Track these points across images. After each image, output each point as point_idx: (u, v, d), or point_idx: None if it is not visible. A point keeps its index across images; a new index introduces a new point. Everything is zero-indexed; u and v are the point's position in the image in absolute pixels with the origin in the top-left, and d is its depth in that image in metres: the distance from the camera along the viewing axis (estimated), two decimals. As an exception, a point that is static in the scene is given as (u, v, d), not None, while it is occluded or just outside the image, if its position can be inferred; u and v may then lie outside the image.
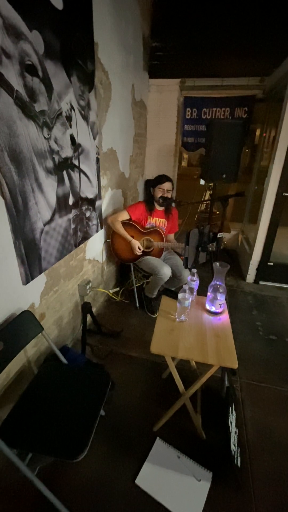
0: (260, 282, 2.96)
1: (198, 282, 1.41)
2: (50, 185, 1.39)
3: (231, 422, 1.19)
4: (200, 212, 4.07)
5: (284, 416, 1.52)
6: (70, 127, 1.52)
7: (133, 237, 2.21)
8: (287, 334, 2.18)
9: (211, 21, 2.67)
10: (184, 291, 1.24)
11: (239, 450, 1.18)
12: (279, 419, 1.51)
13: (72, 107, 1.51)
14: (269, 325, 2.30)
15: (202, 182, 4.23)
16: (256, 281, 2.97)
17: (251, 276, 2.97)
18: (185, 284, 1.30)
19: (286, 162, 2.42)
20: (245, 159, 4.05)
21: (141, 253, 2.22)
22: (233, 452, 1.14)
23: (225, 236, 3.77)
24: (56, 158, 1.42)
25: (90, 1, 1.55)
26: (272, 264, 2.86)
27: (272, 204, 2.61)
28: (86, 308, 1.82)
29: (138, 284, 2.71)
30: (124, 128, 2.51)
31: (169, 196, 2.21)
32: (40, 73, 1.20)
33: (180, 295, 1.25)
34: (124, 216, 2.20)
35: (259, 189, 3.10)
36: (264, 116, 3.16)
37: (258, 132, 3.51)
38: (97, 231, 2.10)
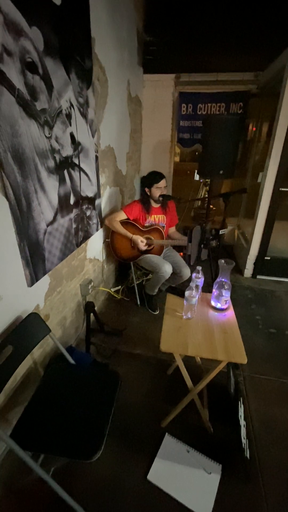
0: (258, 277, 3.00)
1: (203, 279, 1.42)
2: (52, 185, 1.37)
3: (240, 416, 1.22)
4: (197, 208, 4.07)
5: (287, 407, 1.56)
6: (70, 125, 1.49)
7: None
8: (286, 327, 2.23)
9: (206, 15, 2.65)
10: (191, 289, 1.25)
11: (247, 442, 1.21)
12: (282, 410, 1.55)
13: (71, 105, 1.48)
14: (268, 318, 2.34)
15: (196, 177, 4.24)
16: (254, 276, 3.01)
17: (248, 270, 3.01)
18: (186, 280, 1.31)
19: (283, 157, 2.44)
20: (242, 154, 4.07)
21: (145, 247, 2.21)
22: (243, 445, 1.16)
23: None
24: (57, 157, 1.40)
25: (87, -5, 1.52)
26: (269, 258, 2.90)
27: (269, 199, 2.64)
28: (89, 307, 1.82)
29: (138, 282, 2.72)
30: (121, 125, 2.49)
31: (165, 192, 2.21)
32: (40, 71, 1.18)
33: (187, 293, 1.26)
34: (121, 216, 2.19)
35: (255, 184, 3.12)
36: (259, 111, 3.17)
37: (253, 127, 3.52)
38: (97, 229, 2.09)
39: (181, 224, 3.40)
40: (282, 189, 2.58)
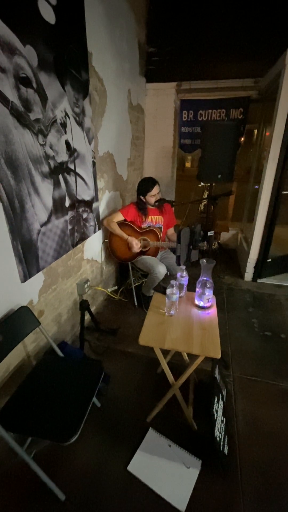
0: (258, 280, 2.99)
1: (187, 278, 1.47)
2: (46, 188, 1.48)
3: (216, 411, 1.25)
4: (200, 213, 4.11)
5: (274, 409, 1.56)
6: (65, 133, 1.60)
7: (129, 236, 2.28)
8: (282, 330, 2.21)
9: (206, 25, 2.74)
10: (172, 286, 1.30)
11: (226, 438, 1.23)
12: (269, 411, 1.55)
13: (66, 115, 1.59)
14: (265, 321, 2.33)
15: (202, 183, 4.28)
16: (254, 279, 3.00)
17: (249, 274, 3.01)
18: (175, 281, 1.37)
19: (280, 161, 2.46)
20: (247, 159, 4.09)
21: (139, 249, 2.28)
22: (218, 439, 1.19)
23: (224, 235, 3.81)
24: (52, 163, 1.50)
25: (83, 14, 1.64)
26: (270, 261, 2.88)
27: (267, 203, 2.65)
28: (83, 305, 1.90)
29: (137, 284, 2.78)
30: (121, 132, 2.59)
31: (160, 197, 2.29)
32: (34, 85, 1.29)
33: (168, 291, 1.31)
34: (118, 217, 2.28)
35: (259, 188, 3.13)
36: (260, 116, 3.20)
37: (256, 132, 3.55)
38: (94, 231, 2.18)
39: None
40: (284, 192, 2.59)
